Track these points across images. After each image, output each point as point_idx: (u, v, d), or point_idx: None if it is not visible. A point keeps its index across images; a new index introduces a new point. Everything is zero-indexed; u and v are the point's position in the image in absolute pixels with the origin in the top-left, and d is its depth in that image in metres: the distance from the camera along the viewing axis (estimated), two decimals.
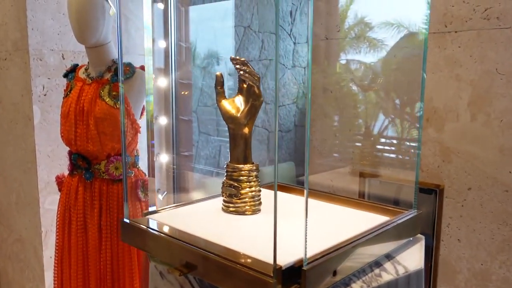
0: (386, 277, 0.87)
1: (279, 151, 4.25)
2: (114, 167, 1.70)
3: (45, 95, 2.36)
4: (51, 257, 2.46)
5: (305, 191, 0.76)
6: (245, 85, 1.05)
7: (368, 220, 1.03)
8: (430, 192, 1.43)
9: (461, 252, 1.39)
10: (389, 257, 0.97)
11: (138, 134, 1.77)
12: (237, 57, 1.00)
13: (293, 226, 0.98)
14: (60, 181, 1.86)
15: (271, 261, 0.78)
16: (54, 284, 1.85)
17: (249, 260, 0.79)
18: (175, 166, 2.40)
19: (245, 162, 1.04)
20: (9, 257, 2.78)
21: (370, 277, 0.87)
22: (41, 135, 2.36)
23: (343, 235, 0.90)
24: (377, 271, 0.90)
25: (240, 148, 1.03)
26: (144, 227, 0.94)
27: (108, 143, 1.66)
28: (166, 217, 1.02)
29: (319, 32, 1.70)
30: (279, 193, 1.30)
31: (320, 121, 1.74)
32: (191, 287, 0.87)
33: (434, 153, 1.42)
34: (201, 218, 1.04)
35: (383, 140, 1.59)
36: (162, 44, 3.00)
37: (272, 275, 0.73)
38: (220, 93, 1.06)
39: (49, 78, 2.36)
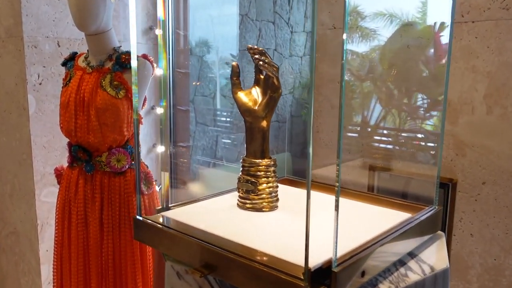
0: (413, 277, 0.84)
1: (275, 141, 4.21)
2: (116, 160, 1.65)
3: (40, 84, 2.29)
4: (47, 251, 2.41)
5: (337, 190, 0.72)
6: (262, 76, 1.01)
7: (389, 216, 1.00)
8: (443, 186, 1.41)
9: (473, 247, 1.37)
10: (411, 255, 0.94)
11: (140, 125, 1.71)
12: (255, 47, 0.96)
13: (313, 224, 0.95)
14: (59, 173, 1.80)
15: (297, 262, 0.75)
16: (54, 279, 1.80)
17: (275, 262, 0.76)
18: (177, 159, 2.35)
19: (262, 157, 1.00)
20: (3, 250, 2.72)
21: (396, 277, 0.84)
22: (36, 125, 2.29)
23: (367, 233, 0.87)
24: (402, 270, 0.87)
25: (258, 142, 0.99)
26: (160, 225, 0.89)
27: (110, 134, 1.61)
28: (180, 214, 0.98)
29: (327, 21, 1.65)
30: (290, 188, 1.26)
31: (327, 113, 1.70)
32: (210, 287, 0.84)
33: (447, 147, 1.39)
34: (217, 215, 1.00)
35: (393, 133, 1.56)
36: (158, 31, 2.92)
37: (302, 277, 0.70)
38: (236, 84, 1.02)
39: (44, 67, 2.29)
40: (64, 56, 2.34)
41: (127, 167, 1.66)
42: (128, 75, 1.64)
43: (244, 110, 1.00)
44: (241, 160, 1.03)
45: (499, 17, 1.26)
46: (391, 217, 0.99)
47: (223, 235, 0.85)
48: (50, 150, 2.35)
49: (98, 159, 1.64)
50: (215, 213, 1.01)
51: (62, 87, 1.71)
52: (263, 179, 0.99)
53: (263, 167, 0.99)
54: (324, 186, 1.26)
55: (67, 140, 2.03)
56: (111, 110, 1.59)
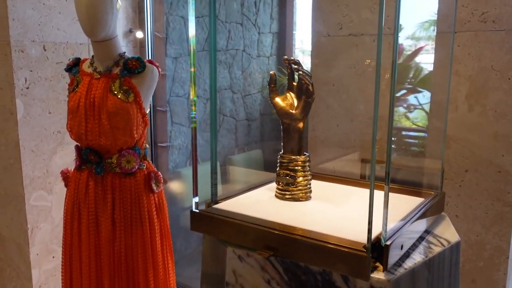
0: (436, 248, 1.03)
1: (246, 139, 4.36)
2: (126, 161, 1.72)
3: (27, 88, 2.30)
4: (37, 254, 2.42)
5: (386, 177, 0.87)
6: (294, 83, 1.15)
7: (406, 201, 1.17)
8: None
9: (458, 226, 1.59)
10: (427, 232, 1.12)
11: (147, 127, 1.79)
12: (291, 58, 1.10)
13: (346, 210, 1.11)
14: (65, 176, 1.85)
15: (353, 239, 0.90)
16: (62, 281, 1.84)
17: (334, 239, 0.91)
18: (157, 159, 2.40)
19: (299, 154, 1.15)
20: None
21: (423, 249, 1.02)
22: (24, 129, 2.29)
23: (396, 215, 1.04)
24: (425, 244, 1.05)
25: (295, 141, 1.13)
26: (222, 216, 1.02)
27: (121, 137, 1.68)
28: (232, 206, 1.10)
29: (321, 29, 1.82)
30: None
31: (322, 113, 1.87)
32: (272, 267, 0.97)
33: (436, 140, 1.59)
34: (263, 205, 1.13)
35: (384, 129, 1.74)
36: (139, 34, 2.99)
37: (365, 250, 0.85)
38: (273, 91, 1.15)
39: (31, 71, 2.30)
40: (52, 59, 2.36)
41: (136, 167, 1.74)
42: (136, 80, 1.72)
43: (283, 114, 1.14)
44: (278, 157, 1.17)
45: (478, 29, 1.48)
46: (407, 201, 1.17)
47: (280, 221, 0.99)
48: (38, 154, 2.36)
49: (109, 161, 1.71)
50: (261, 204, 1.14)
51: (69, 93, 1.76)
52: (300, 172, 1.14)
53: (301, 162, 1.14)
54: (340, 179, 1.42)
55: (58, 144, 2.05)
56: (121, 114, 1.66)
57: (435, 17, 1.59)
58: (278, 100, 1.15)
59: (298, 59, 1.11)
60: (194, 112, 1.12)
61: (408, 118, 1.82)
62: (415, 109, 1.80)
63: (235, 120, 4.20)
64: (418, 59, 1.76)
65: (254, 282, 0.99)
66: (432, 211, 1.16)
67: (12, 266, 2.49)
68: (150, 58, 3.08)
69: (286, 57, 1.12)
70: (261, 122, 4.44)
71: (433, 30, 1.62)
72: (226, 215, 1.03)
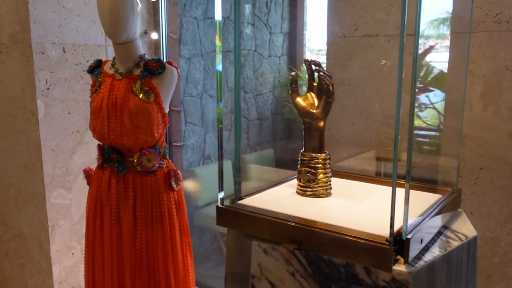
0: (454, 243, 1.06)
1: (258, 138, 4.39)
2: (147, 159, 1.77)
3: (48, 89, 2.36)
4: (58, 251, 2.48)
5: (406, 176, 0.91)
6: (315, 83, 1.19)
7: (424, 197, 1.21)
8: None
9: (474, 223, 1.61)
10: (445, 227, 1.16)
11: (166, 126, 1.84)
12: (312, 59, 1.14)
13: (365, 205, 1.15)
14: (88, 174, 1.90)
15: (376, 233, 0.94)
16: (85, 276, 1.89)
17: (357, 233, 0.95)
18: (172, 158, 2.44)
19: (320, 152, 1.19)
20: (5, 254, 2.74)
21: (441, 243, 1.05)
22: (45, 129, 2.35)
23: (415, 210, 1.07)
24: (443, 238, 1.09)
25: (316, 140, 1.18)
26: (248, 212, 1.06)
27: (142, 136, 1.73)
28: (256, 202, 1.15)
29: (337, 30, 1.85)
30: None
31: (338, 112, 1.90)
32: (296, 260, 1.01)
33: (451, 139, 1.62)
34: (286, 201, 1.18)
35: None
36: (154, 35, 3.04)
37: (387, 243, 0.89)
38: (294, 91, 1.20)
39: (51, 72, 2.36)
40: (71, 61, 2.42)
41: (157, 166, 1.79)
42: (156, 81, 1.77)
43: (304, 113, 1.18)
44: (299, 155, 1.22)
45: (492, 29, 1.51)
46: (425, 197, 1.21)
47: (303, 216, 1.04)
48: (58, 153, 2.42)
49: (130, 160, 1.76)
50: (283, 200, 1.18)
51: (92, 93, 1.81)
52: (321, 170, 1.18)
53: (321, 160, 1.18)
54: (359, 177, 1.46)
55: (77, 143, 2.08)
56: (143, 114, 1.72)
57: (445, 15, 1.62)
58: (299, 100, 1.19)
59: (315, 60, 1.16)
60: (218, 115, 1.17)
61: (419, 116, 1.85)
62: (426, 108, 1.83)
63: (247, 120, 4.24)
64: (428, 58, 1.79)
65: (278, 274, 1.03)
66: (449, 207, 1.19)
67: (33, 263, 2.56)
68: (165, 59, 3.14)
69: (306, 58, 1.16)
70: (272, 122, 4.48)
71: (443, 29, 1.64)
72: (251, 211, 1.07)
